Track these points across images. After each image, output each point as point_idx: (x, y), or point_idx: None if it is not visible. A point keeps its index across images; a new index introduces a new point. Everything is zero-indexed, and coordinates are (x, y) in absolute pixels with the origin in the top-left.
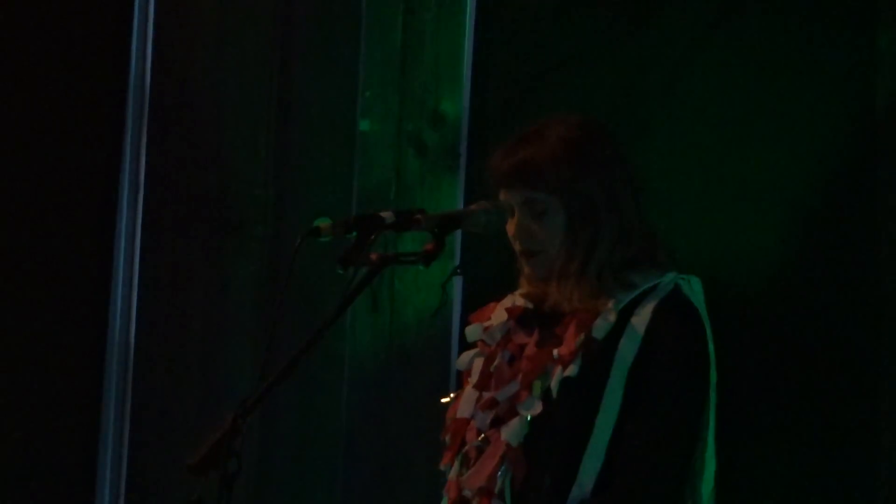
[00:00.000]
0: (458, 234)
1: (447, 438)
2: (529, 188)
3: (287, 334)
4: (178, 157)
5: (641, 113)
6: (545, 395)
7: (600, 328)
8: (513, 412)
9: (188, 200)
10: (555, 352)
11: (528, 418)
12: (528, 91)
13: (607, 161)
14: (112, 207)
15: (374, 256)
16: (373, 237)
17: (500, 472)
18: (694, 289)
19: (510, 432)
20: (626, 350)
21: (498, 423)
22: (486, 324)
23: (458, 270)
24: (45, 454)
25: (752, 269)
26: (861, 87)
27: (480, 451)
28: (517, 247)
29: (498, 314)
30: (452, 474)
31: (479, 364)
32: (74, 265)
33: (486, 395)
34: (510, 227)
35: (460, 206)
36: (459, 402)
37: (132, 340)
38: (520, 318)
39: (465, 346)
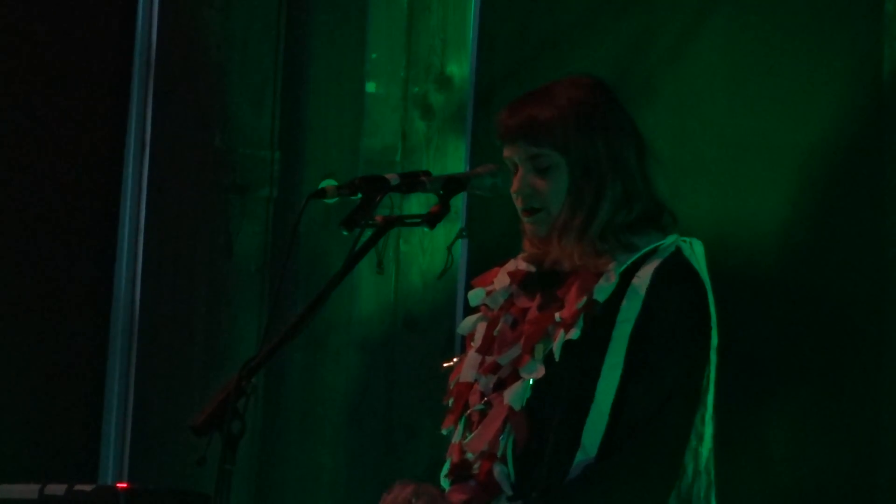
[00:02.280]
0: (464, 196)
1: (450, 402)
2: (535, 144)
3: (292, 296)
4: (184, 118)
5: (648, 76)
6: (547, 358)
7: (602, 290)
8: (515, 376)
9: (194, 162)
10: (557, 315)
11: (531, 382)
12: (535, 54)
13: (615, 123)
14: (118, 168)
15: (378, 218)
16: (378, 199)
17: (502, 436)
18: (695, 251)
19: (513, 396)
20: (628, 312)
21: (500, 386)
22: (489, 288)
23: (464, 233)
24: (50, 416)
25: (758, 232)
26: (868, 51)
27: (483, 414)
28: (519, 204)
29: (500, 278)
30: (455, 438)
31: (481, 328)
32: (80, 226)
33: (489, 359)
34: (513, 184)
35: (466, 168)
36: (462, 366)
37: (138, 301)
38: (522, 282)
39: (469, 308)
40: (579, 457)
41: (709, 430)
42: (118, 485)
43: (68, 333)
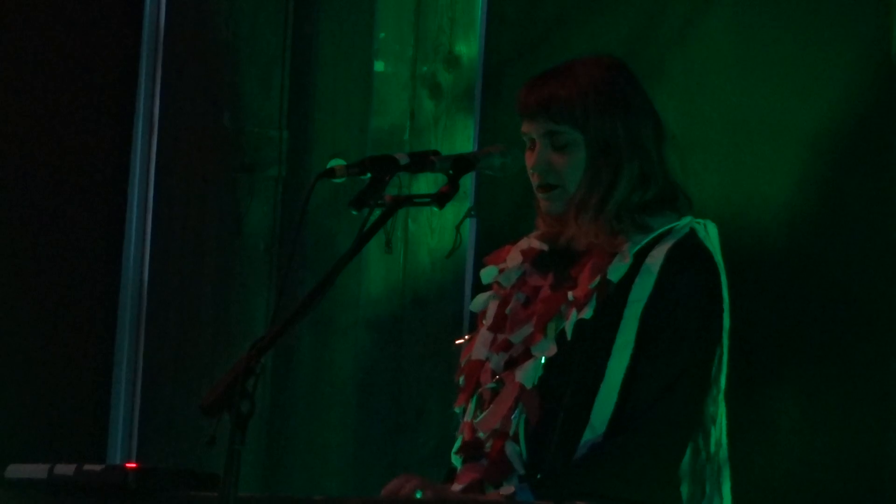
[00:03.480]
0: (473, 176)
1: (461, 380)
2: (554, 120)
3: (301, 275)
4: (193, 96)
5: (657, 57)
6: (559, 337)
7: (615, 270)
8: (527, 354)
9: (202, 141)
10: (569, 294)
11: (543, 360)
12: (543, 33)
13: (634, 104)
14: (126, 147)
15: (387, 198)
16: (387, 179)
17: (514, 414)
18: (709, 233)
19: (524, 374)
20: (640, 292)
21: (512, 364)
22: (501, 266)
23: (472, 212)
24: (59, 395)
25: (770, 214)
26: (878, 30)
27: (495, 392)
28: (535, 180)
29: (513, 256)
30: (467, 416)
31: (493, 306)
32: (89, 205)
33: (501, 337)
34: (529, 159)
35: (475, 147)
36: (474, 344)
37: (146, 280)
38: (535, 261)
39: (478, 288)
40: (587, 435)
41: (722, 412)
42: (127, 465)
43: (77, 314)
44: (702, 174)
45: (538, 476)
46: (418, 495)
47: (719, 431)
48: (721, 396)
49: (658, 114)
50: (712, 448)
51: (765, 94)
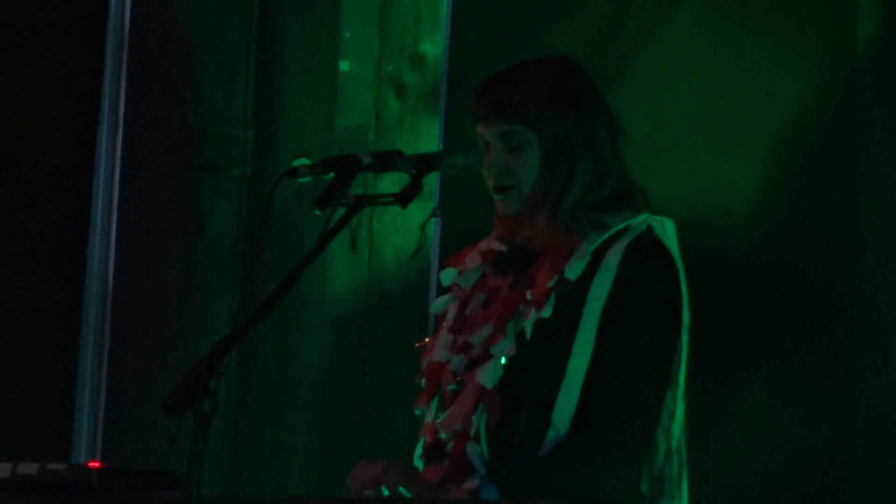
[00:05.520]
0: (438, 175)
1: (422, 382)
2: (507, 121)
3: (264, 274)
4: (157, 96)
5: (622, 56)
6: (519, 336)
7: (573, 269)
8: (487, 355)
9: (167, 140)
10: (528, 293)
11: (503, 360)
12: (509, 33)
13: (586, 102)
14: (91, 146)
15: (351, 197)
16: (350, 178)
17: (475, 415)
18: (667, 230)
19: (485, 375)
20: (598, 290)
21: (473, 365)
22: (461, 267)
23: (437, 212)
24: (22, 393)
25: (731, 211)
26: (842, 30)
27: (456, 394)
28: (490, 181)
29: (472, 258)
30: (428, 417)
31: (453, 308)
32: (53, 204)
33: (461, 338)
34: (485, 162)
35: (439, 147)
36: (434, 346)
37: (110, 279)
38: (494, 262)
39: (443, 287)
40: (550, 434)
41: (680, 409)
42: (90, 464)
43: (41, 312)
44: (666, 173)
45: (502, 473)
46: (402, 491)
47: (679, 428)
48: (680, 393)
49: (612, 111)
50: (673, 444)
51: (729, 94)
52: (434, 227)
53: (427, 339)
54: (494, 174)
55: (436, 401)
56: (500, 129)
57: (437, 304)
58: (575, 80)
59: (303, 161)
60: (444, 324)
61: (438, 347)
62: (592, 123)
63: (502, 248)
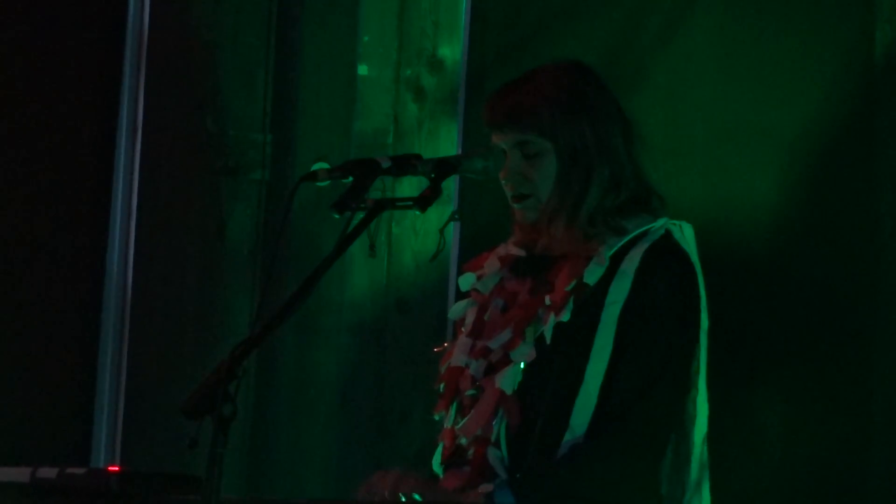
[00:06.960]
0: (456, 179)
1: (441, 387)
2: (521, 130)
3: (283, 279)
4: (176, 100)
5: (639, 60)
6: (538, 341)
7: (591, 273)
8: (506, 360)
9: (186, 145)
10: (547, 298)
11: (522, 365)
12: (526, 37)
13: (599, 107)
14: (110, 151)
15: (370, 201)
16: (369, 182)
17: (495, 420)
18: (685, 234)
19: (504, 380)
20: (617, 294)
21: (492, 370)
22: (479, 272)
23: (456, 216)
24: (42, 397)
25: (749, 215)
26: (860, 33)
27: (475, 399)
28: (508, 190)
29: (491, 262)
30: (447, 422)
31: (472, 313)
32: (73, 209)
33: (480, 343)
34: (502, 171)
35: (458, 151)
36: (453, 351)
37: (129, 283)
38: (512, 266)
39: (461, 291)
40: (567, 437)
41: (702, 414)
42: (110, 468)
43: (61, 317)
44: (684, 177)
45: (517, 476)
46: (416, 497)
47: (700, 433)
48: (700, 398)
49: (625, 114)
50: (691, 449)
51: (747, 98)
52: (453, 231)
53: (446, 344)
54: (512, 183)
55: (455, 406)
56: (515, 138)
57: (455, 308)
58: (586, 85)
59: (321, 165)
60: (462, 328)
61: (457, 352)
62: (606, 128)
63: (521, 252)
